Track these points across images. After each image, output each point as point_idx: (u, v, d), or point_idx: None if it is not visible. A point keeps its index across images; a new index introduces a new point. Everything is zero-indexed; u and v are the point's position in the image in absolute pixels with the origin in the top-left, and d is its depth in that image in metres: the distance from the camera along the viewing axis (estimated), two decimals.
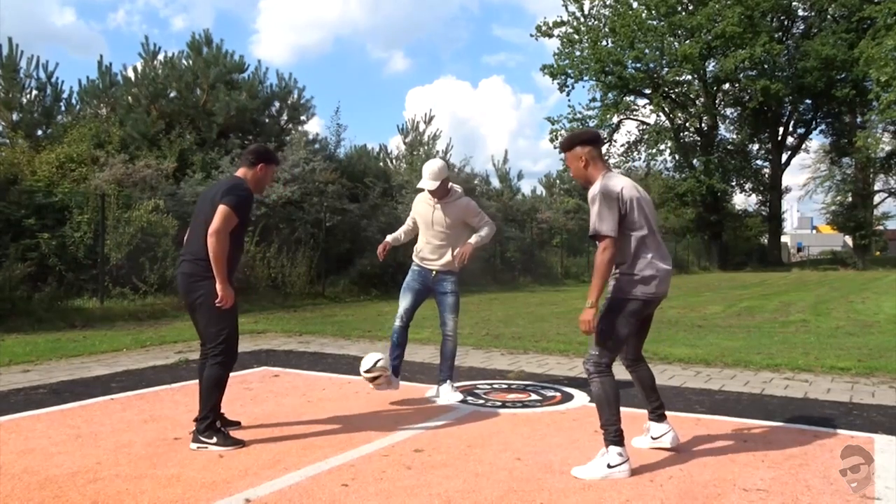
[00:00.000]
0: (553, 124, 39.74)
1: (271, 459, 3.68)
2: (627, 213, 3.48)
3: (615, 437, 3.46)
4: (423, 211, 5.20)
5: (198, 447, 3.87)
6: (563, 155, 3.75)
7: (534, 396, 5.33)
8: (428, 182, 5.06)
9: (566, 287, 20.47)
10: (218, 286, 3.87)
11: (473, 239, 5.17)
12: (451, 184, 5.21)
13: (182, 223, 12.96)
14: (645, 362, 3.97)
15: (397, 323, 5.24)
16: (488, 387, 5.71)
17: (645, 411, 3.81)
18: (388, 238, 5.40)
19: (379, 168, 18.53)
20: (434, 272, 5.16)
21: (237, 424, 4.30)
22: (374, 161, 19.35)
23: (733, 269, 37.62)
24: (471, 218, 5.18)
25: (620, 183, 3.53)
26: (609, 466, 3.40)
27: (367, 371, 4.83)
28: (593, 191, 3.51)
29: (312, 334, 9.22)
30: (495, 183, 25.40)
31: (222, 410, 4.20)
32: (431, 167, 5.08)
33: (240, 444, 3.93)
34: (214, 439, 3.88)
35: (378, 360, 4.83)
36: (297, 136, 16.64)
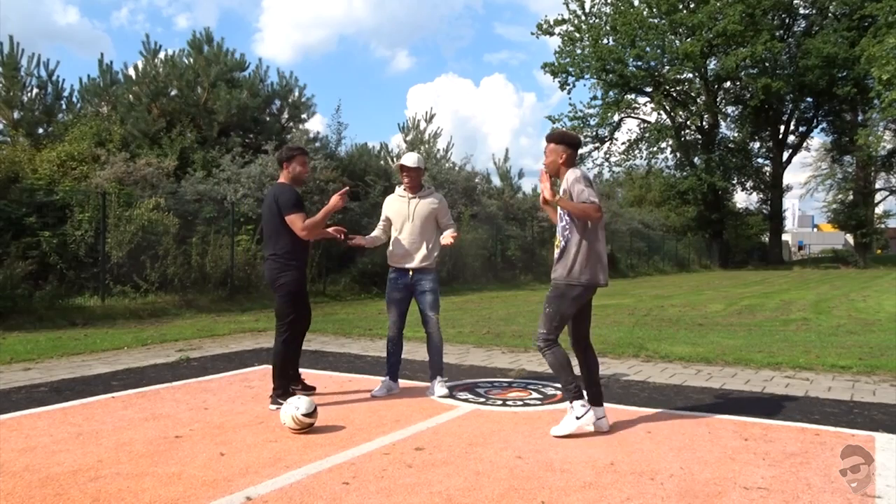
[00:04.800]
0: (554, 123, 39.80)
1: (272, 457, 3.68)
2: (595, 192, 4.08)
3: (576, 392, 4.13)
4: (399, 207, 5.30)
5: (275, 408, 4.64)
6: (546, 144, 4.30)
7: (534, 395, 5.34)
8: (408, 157, 5.32)
9: None
10: (322, 215, 4.92)
11: (452, 230, 5.27)
12: (424, 181, 5.45)
13: (183, 221, 12.98)
14: (592, 348, 4.38)
15: (390, 333, 5.38)
16: (489, 385, 5.71)
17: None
18: (367, 237, 5.36)
19: (380, 166, 18.50)
20: (411, 272, 5.22)
21: (312, 389, 5.12)
22: (375, 159, 19.33)
23: (734, 268, 37.62)
24: (442, 215, 5.32)
25: (590, 176, 4.19)
26: (577, 418, 4.06)
27: (306, 415, 4.17)
28: (574, 173, 4.11)
29: (313, 332, 9.19)
30: (496, 181, 25.38)
31: (303, 377, 5.21)
32: (411, 154, 5.43)
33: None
34: (281, 401, 4.56)
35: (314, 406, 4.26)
36: (297, 134, 16.64)
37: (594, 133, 39.97)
